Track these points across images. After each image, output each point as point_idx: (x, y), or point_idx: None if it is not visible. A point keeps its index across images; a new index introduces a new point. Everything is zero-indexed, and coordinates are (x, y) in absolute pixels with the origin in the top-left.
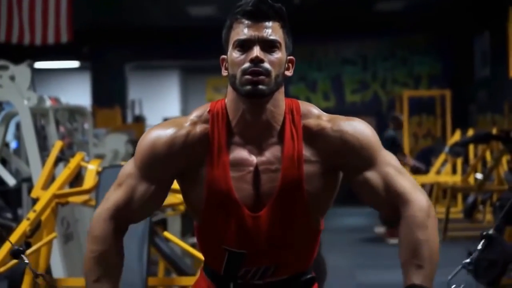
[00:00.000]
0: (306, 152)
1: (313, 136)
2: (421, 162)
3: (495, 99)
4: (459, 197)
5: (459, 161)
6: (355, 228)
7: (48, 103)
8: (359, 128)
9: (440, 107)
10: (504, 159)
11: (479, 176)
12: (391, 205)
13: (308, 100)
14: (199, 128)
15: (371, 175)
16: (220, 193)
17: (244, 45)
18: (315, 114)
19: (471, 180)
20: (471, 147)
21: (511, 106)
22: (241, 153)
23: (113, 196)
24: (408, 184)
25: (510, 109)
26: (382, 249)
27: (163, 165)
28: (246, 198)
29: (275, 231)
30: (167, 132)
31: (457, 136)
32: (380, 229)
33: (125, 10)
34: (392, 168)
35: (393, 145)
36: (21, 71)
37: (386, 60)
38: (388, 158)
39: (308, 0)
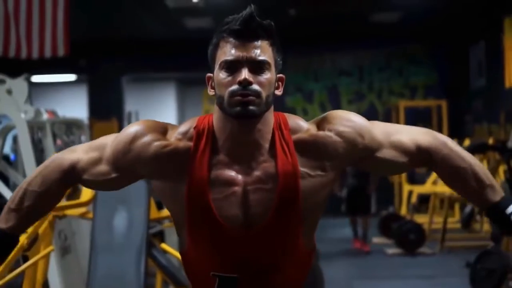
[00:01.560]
0: (302, 167)
1: (309, 148)
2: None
3: (491, 109)
4: (457, 207)
5: None
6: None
7: (45, 116)
8: (347, 119)
9: (437, 117)
10: (501, 169)
11: None
12: (417, 162)
13: (305, 111)
14: (182, 145)
15: (384, 153)
16: (201, 213)
17: (232, 67)
18: (304, 128)
19: None
20: None
21: (507, 116)
22: (225, 172)
23: (78, 154)
24: (417, 135)
25: (506, 119)
26: (380, 260)
27: (130, 164)
28: (233, 220)
29: (266, 252)
30: (148, 136)
31: None
32: (378, 240)
33: (121, 23)
34: (394, 135)
35: None
36: (18, 85)
37: (382, 71)
38: (383, 128)
39: (304, 12)
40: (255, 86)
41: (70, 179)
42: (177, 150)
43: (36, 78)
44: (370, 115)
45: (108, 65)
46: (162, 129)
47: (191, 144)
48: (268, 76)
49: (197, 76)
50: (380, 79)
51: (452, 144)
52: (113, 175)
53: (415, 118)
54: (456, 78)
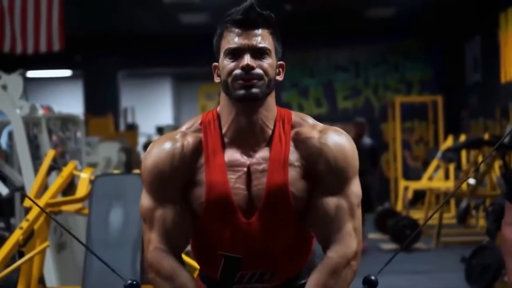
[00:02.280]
0: (292, 156)
1: (300, 142)
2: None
3: (486, 104)
4: (452, 202)
5: (451, 167)
6: None
7: (41, 112)
8: (342, 150)
9: (432, 113)
10: (496, 165)
11: (471, 181)
12: (324, 237)
13: (301, 106)
14: (191, 138)
15: (328, 202)
16: (219, 197)
17: (235, 53)
18: (309, 123)
19: (464, 185)
20: (463, 153)
21: (503, 111)
22: (234, 155)
23: (152, 235)
24: (349, 228)
25: (502, 114)
26: (376, 255)
27: (172, 181)
28: (241, 201)
29: (267, 235)
30: (165, 148)
31: (449, 142)
32: (374, 235)
33: (117, 18)
34: (347, 206)
35: (373, 156)
36: (13, 80)
37: (377, 66)
38: (352, 194)
39: (300, 7)
40: (258, 70)
41: (175, 253)
42: (189, 145)
43: (31, 74)
44: (366, 111)
45: (104, 60)
46: (167, 137)
47: (199, 135)
48: (269, 61)
49: (193, 71)
50: (375, 75)
51: (348, 268)
52: (177, 205)
53: (411, 113)
54: (452, 74)
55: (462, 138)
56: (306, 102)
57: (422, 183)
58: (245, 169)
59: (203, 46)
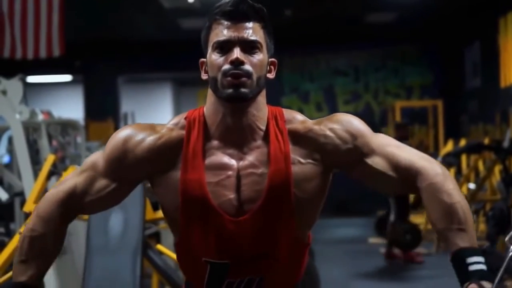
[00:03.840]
0: (294, 154)
1: (301, 138)
2: None
3: (486, 109)
4: None
5: (451, 171)
6: (349, 239)
7: (40, 117)
8: (346, 121)
9: (432, 118)
10: (497, 169)
11: (472, 186)
12: (405, 183)
13: (301, 111)
14: (175, 134)
15: (374, 161)
16: (195, 198)
17: (224, 47)
18: (300, 120)
19: (464, 190)
20: (463, 157)
21: (503, 116)
22: (219, 157)
23: (71, 181)
24: (414, 156)
25: (502, 119)
26: (376, 260)
27: (129, 165)
28: (226, 204)
29: (259, 239)
30: (139, 134)
31: (450, 146)
32: (374, 240)
33: (116, 23)
34: (391, 147)
35: None
36: (13, 85)
37: (378, 71)
38: (384, 140)
39: (300, 12)
40: (247, 66)
41: (70, 209)
42: (171, 139)
43: (31, 79)
44: (367, 116)
45: (104, 65)
46: (151, 127)
47: (183, 132)
48: (260, 57)
49: (193, 76)
50: (375, 80)
51: (445, 176)
52: (114, 185)
53: (411, 118)
54: (452, 79)
55: (462, 142)
56: (307, 107)
57: None
58: (231, 172)
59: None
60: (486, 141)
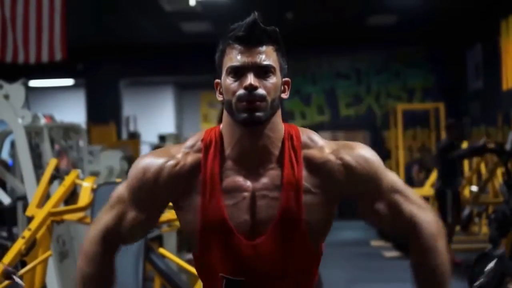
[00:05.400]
0: (306, 182)
1: (316, 168)
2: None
3: (488, 111)
4: None
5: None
6: (351, 242)
7: (43, 121)
8: (363, 157)
9: (434, 120)
10: (499, 172)
11: (474, 188)
12: (400, 230)
13: (303, 114)
14: (190, 158)
15: (379, 206)
16: (214, 222)
17: (238, 72)
18: (318, 145)
19: (466, 192)
20: (466, 160)
21: (505, 118)
22: (235, 179)
23: (104, 218)
24: (415, 208)
25: (504, 121)
26: (378, 262)
27: (152, 194)
28: (242, 225)
29: (274, 260)
30: (157, 162)
31: None
32: (376, 243)
33: (119, 27)
34: (398, 195)
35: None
36: (15, 90)
37: (379, 74)
38: (393, 184)
39: (302, 15)
40: (261, 91)
41: (112, 243)
42: (187, 165)
43: (33, 83)
44: (368, 118)
45: (106, 69)
46: (167, 152)
47: (199, 155)
48: (273, 80)
49: (194, 79)
50: (377, 82)
51: (440, 238)
52: (143, 214)
53: (413, 121)
54: (454, 81)
55: (464, 145)
56: (309, 110)
57: (425, 190)
58: (246, 193)
59: (205, 54)
60: (481, 142)
